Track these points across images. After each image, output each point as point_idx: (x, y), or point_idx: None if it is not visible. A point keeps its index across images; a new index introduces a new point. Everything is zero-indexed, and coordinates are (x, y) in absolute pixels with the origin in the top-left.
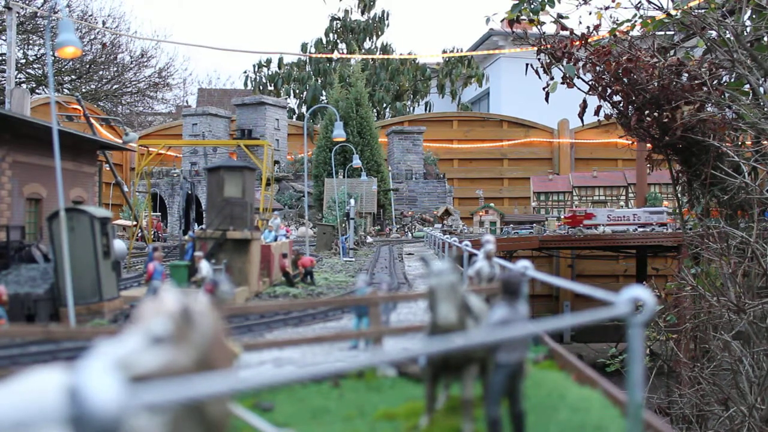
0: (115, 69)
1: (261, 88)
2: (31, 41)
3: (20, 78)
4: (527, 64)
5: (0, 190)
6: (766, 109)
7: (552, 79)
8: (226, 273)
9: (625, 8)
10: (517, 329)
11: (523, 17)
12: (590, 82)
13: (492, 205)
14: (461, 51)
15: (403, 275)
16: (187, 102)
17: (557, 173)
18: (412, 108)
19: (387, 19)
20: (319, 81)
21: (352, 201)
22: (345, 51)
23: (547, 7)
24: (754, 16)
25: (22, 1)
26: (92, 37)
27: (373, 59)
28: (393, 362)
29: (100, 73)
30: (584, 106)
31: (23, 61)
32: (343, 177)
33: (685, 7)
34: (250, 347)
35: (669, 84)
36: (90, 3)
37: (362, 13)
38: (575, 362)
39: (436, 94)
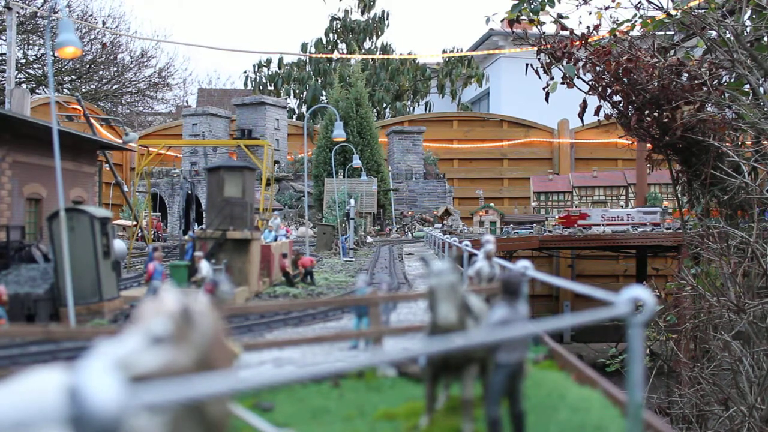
0: (115, 69)
1: (261, 88)
2: (31, 41)
3: (20, 78)
4: (527, 64)
5: (0, 190)
6: (766, 109)
7: (552, 79)
8: (226, 273)
9: (625, 8)
10: (517, 329)
11: (523, 17)
12: (590, 82)
13: (492, 205)
14: (461, 51)
15: (403, 275)
16: (187, 102)
17: (557, 173)
18: (412, 108)
19: (387, 19)
20: (319, 81)
21: (352, 201)
22: (345, 51)
23: (547, 7)
24: (754, 16)
25: (22, 1)
26: (92, 37)
27: (373, 59)
28: (393, 362)
29: (100, 73)
30: (584, 106)
31: (23, 61)
32: (343, 177)
33: (685, 7)
34: (250, 347)
35: (669, 84)
36: (90, 3)
37: (362, 13)
38: (575, 362)
39: (436, 94)
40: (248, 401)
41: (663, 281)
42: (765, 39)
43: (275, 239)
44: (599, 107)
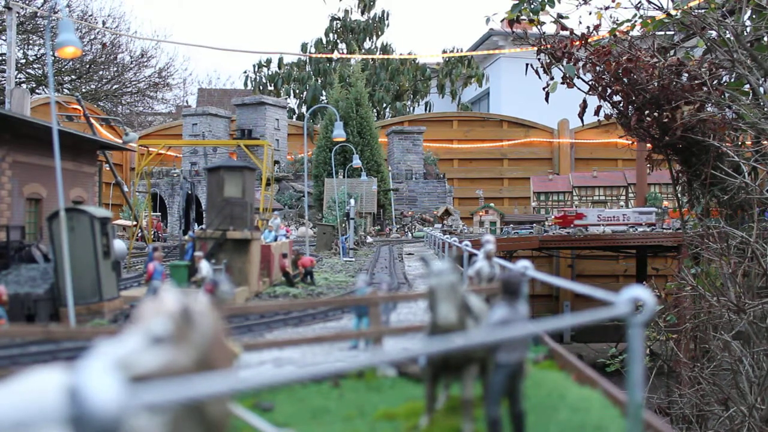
0: (115, 69)
1: (261, 88)
2: (31, 41)
3: (20, 78)
4: (527, 64)
5: (0, 190)
6: (766, 109)
7: (552, 79)
8: (226, 273)
9: (625, 8)
10: (517, 329)
11: (523, 17)
12: (590, 82)
13: (492, 205)
14: (461, 51)
15: (403, 275)
16: (187, 102)
17: (557, 173)
18: (412, 108)
19: (387, 19)
20: (319, 81)
21: (352, 201)
22: (345, 51)
23: (547, 7)
24: (754, 16)
25: (22, 1)
26: (92, 37)
27: (373, 59)
28: (393, 362)
29: (100, 73)
30: (584, 106)
31: (23, 61)
32: (343, 177)
33: (685, 7)
34: (250, 347)
35: (669, 84)
36: (90, 3)
37: (362, 13)
38: (575, 362)
39: (436, 94)
40: (248, 401)
41: (663, 281)
42: (765, 39)
43: (275, 239)
44: (599, 107)
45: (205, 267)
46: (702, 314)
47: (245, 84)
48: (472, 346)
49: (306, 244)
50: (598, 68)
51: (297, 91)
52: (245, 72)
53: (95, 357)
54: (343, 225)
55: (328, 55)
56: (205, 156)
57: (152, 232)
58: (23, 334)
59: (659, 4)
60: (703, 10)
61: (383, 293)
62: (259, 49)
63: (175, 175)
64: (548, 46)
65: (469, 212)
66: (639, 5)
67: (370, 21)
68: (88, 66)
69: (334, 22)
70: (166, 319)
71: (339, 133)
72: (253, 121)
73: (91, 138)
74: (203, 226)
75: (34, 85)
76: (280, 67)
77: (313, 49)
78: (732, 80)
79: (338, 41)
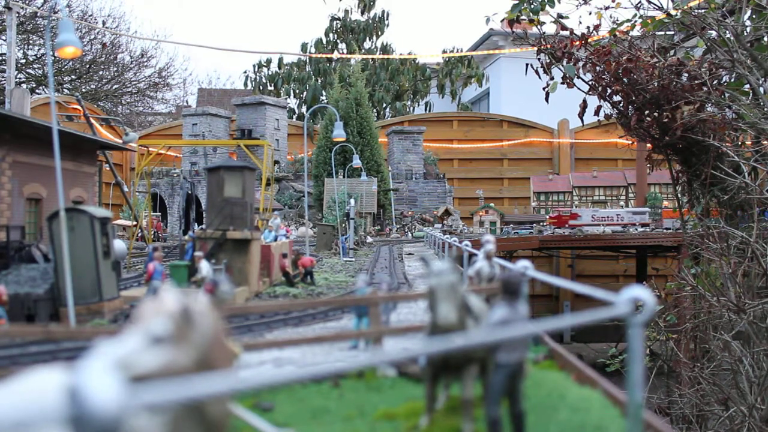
0: (115, 69)
1: (261, 88)
2: (31, 41)
3: (20, 78)
4: (527, 64)
5: (0, 190)
6: (766, 109)
7: (552, 79)
8: (226, 273)
9: (625, 8)
10: (517, 329)
11: (523, 17)
12: (590, 82)
13: (492, 205)
14: (461, 51)
15: (403, 275)
16: (187, 102)
17: (557, 173)
18: (412, 108)
19: (387, 19)
20: (319, 81)
21: (352, 201)
22: (345, 51)
23: (547, 7)
24: (754, 16)
25: (22, 1)
26: (92, 37)
27: (373, 59)
28: (393, 362)
29: (100, 73)
30: (584, 106)
31: (23, 61)
32: (343, 177)
33: (685, 7)
34: (250, 347)
35: (669, 84)
36: (90, 3)
37: (362, 13)
38: (575, 362)
39: (436, 94)
40: (248, 401)
41: (663, 281)
42: (765, 39)
43: (275, 239)
44: (599, 107)
45: (205, 267)
46: (702, 314)
47: (245, 84)
48: (472, 346)
49: (306, 244)
50: (598, 68)
51: (297, 91)
52: (245, 72)
53: (95, 357)
54: (343, 225)
55: (328, 55)
56: (205, 156)
57: (152, 232)
58: (23, 334)
59: (659, 4)
60: (703, 10)
61: (383, 293)
62: (259, 49)
63: (175, 175)
64: (548, 46)
65: (469, 212)
66: (639, 5)
67: (370, 21)
68: (88, 66)
69: (334, 22)
70: (166, 319)
71: (339, 133)
72: (253, 121)
73: (91, 138)
74: (203, 226)
75: (34, 85)
76: (280, 67)
77: (313, 49)
78: (732, 80)
79: (338, 41)
